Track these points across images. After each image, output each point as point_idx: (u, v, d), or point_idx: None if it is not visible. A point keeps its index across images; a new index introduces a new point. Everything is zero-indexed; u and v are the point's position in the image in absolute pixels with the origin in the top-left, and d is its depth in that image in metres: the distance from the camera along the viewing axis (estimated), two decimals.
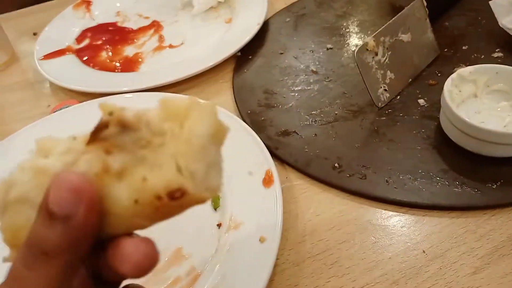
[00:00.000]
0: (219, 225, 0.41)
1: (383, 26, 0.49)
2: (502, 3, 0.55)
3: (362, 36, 0.63)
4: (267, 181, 0.42)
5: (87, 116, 0.53)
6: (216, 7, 0.74)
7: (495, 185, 0.41)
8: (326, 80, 0.56)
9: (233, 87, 0.58)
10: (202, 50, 0.65)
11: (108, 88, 0.58)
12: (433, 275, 0.36)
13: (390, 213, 0.41)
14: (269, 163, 0.43)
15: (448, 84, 0.45)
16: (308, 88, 0.55)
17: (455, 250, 0.37)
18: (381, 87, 0.50)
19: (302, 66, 0.59)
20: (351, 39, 0.63)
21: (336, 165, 0.45)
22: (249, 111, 0.53)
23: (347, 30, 0.65)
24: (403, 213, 0.41)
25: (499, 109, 0.46)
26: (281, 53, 0.62)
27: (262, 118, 0.52)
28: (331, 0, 0.71)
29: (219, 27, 0.70)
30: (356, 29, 0.65)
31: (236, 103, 0.55)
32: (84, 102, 0.56)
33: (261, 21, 0.65)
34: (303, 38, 0.64)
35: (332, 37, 0.63)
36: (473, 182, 0.41)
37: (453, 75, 0.46)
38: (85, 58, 0.66)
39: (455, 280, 0.36)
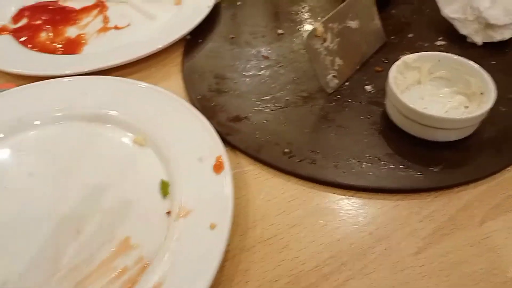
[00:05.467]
0: (168, 213, 0.40)
1: (332, 13, 0.49)
2: None
3: (313, 22, 0.64)
4: (218, 167, 0.41)
5: (24, 100, 0.51)
6: None
7: (437, 168, 0.43)
8: (277, 66, 0.56)
9: (182, 72, 0.56)
10: (150, 32, 0.62)
11: (48, 71, 0.55)
12: (379, 256, 0.37)
13: (339, 196, 0.42)
14: (220, 149, 0.43)
15: (393, 71, 0.46)
16: (259, 73, 0.55)
17: (400, 231, 0.39)
18: (330, 73, 0.50)
19: (253, 51, 0.58)
20: (301, 25, 0.63)
21: (286, 150, 0.45)
22: (199, 96, 0.52)
23: (298, 15, 0.65)
24: (350, 196, 0.42)
25: (441, 95, 0.48)
26: (232, 37, 0.61)
27: (213, 104, 0.51)
28: None
29: (168, 8, 0.67)
30: (307, 15, 0.65)
31: (186, 88, 0.54)
32: (22, 86, 0.52)
33: (211, 3, 0.64)
34: (255, 22, 0.64)
35: (283, 23, 0.63)
36: (417, 165, 0.43)
37: (398, 62, 0.47)
38: (22, 39, 0.62)
39: (400, 260, 0.37)
